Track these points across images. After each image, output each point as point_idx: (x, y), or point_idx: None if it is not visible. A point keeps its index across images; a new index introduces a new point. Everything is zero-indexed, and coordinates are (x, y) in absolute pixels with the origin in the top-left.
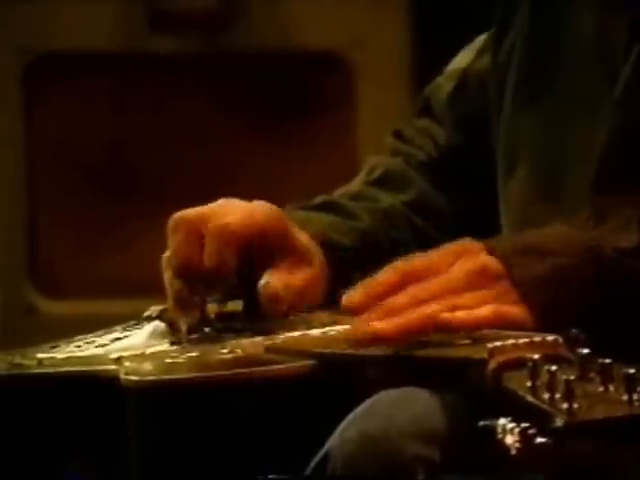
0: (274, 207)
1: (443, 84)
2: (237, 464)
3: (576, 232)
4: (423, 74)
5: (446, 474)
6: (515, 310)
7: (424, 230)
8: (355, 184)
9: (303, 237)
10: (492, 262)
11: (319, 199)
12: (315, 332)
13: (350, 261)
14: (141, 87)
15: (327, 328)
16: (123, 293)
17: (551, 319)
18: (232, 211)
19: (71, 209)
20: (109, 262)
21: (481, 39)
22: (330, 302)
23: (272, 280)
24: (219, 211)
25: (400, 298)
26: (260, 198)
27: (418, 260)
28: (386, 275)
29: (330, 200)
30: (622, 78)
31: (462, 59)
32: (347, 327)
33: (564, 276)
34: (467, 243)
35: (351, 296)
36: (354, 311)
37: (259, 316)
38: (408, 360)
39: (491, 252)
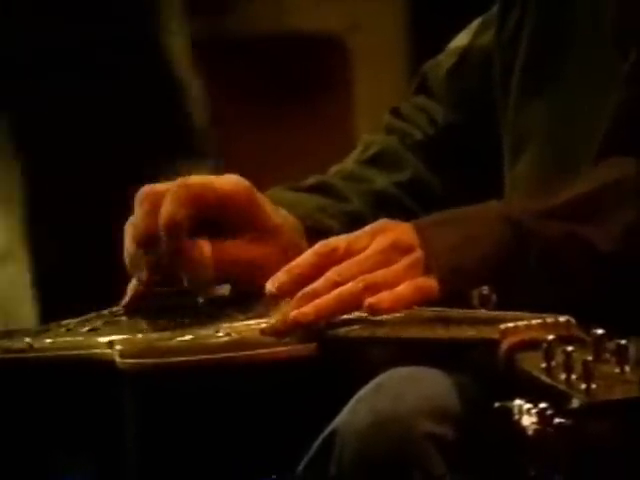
0: (244, 180)
1: (443, 61)
2: (235, 446)
3: (498, 205)
4: (419, 57)
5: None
6: (428, 281)
7: (416, 212)
8: (349, 162)
9: (278, 216)
10: (404, 235)
11: (311, 180)
12: None
13: None
14: None
15: None
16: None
17: (460, 282)
18: (197, 177)
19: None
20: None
21: (480, 20)
22: None
23: (198, 242)
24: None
25: (317, 283)
26: (260, 179)
27: (337, 241)
28: (305, 258)
29: (321, 181)
30: (633, 53)
31: (463, 38)
32: None
33: (474, 241)
34: (384, 222)
35: (274, 281)
36: (278, 295)
37: (248, 299)
38: (417, 341)
39: (414, 227)
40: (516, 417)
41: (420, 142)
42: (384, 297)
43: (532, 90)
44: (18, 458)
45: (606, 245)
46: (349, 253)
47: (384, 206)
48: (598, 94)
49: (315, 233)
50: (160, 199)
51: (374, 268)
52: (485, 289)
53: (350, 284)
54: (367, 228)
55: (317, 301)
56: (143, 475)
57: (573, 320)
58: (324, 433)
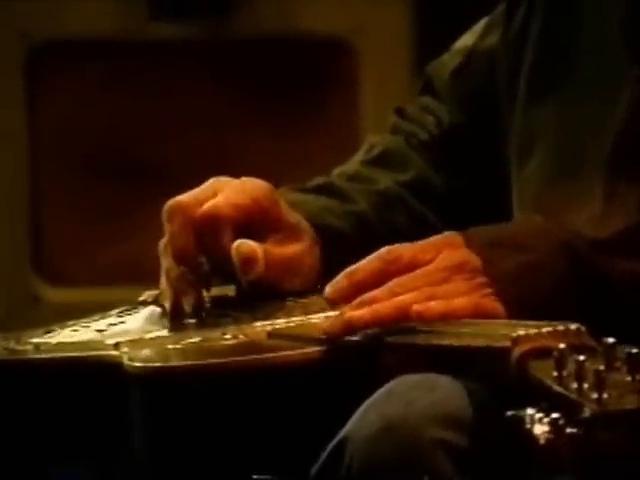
0: (264, 183)
1: (447, 62)
2: (243, 450)
3: (552, 227)
4: (424, 58)
5: None
6: (490, 303)
7: (421, 212)
8: (353, 163)
9: (293, 216)
10: (471, 258)
11: (316, 181)
12: (317, 317)
13: (344, 244)
14: (145, 74)
15: (328, 313)
16: (128, 280)
17: (524, 314)
18: (221, 192)
19: (74, 197)
20: (113, 250)
21: (485, 21)
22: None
23: (246, 241)
24: (209, 193)
25: (377, 292)
26: (267, 181)
27: (402, 250)
28: (370, 264)
29: (326, 182)
30: None
31: (468, 38)
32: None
33: (535, 272)
34: (451, 236)
35: (334, 286)
36: (337, 300)
37: (253, 300)
38: (428, 349)
39: (468, 243)
40: (528, 426)
41: (425, 142)
42: (434, 306)
43: (540, 92)
44: (22, 460)
45: None
46: (413, 264)
47: (389, 206)
48: (607, 96)
49: (323, 233)
50: (189, 212)
51: (437, 284)
52: None
53: (413, 294)
54: (434, 240)
55: (375, 306)
56: (150, 478)
57: (584, 328)
58: (335, 439)
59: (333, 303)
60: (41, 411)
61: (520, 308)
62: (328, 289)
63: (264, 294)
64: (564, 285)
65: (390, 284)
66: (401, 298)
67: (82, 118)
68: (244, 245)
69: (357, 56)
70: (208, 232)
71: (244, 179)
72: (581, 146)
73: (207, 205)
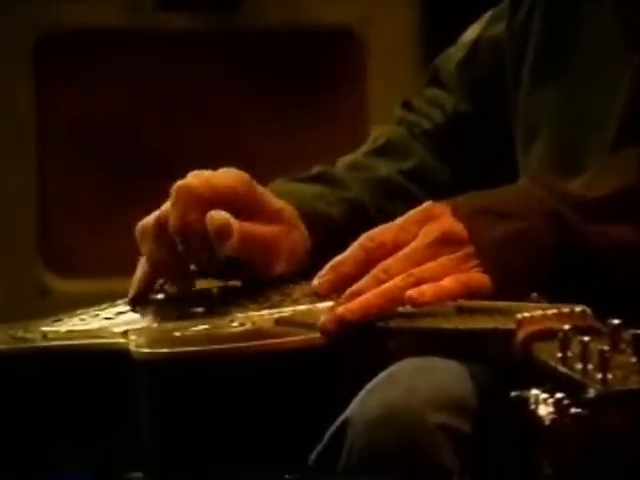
0: (240, 172)
1: (454, 53)
2: (248, 435)
3: (540, 193)
4: (432, 49)
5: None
6: (476, 276)
7: (421, 200)
8: (357, 153)
9: (275, 202)
10: (454, 226)
11: (314, 170)
12: (324, 304)
13: (337, 230)
14: (154, 65)
15: (334, 300)
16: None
17: (510, 282)
18: (195, 177)
19: (83, 188)
20: (122, 240)
21: (490, 13)
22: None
23: (219, 212)
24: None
25: (364, 281)
26: (274, 173)
27: (383, 234)
28: (353, 255)
29: (322, 171)
30: None
31: (473, 31)
32: None
33: (522, 240)
34: (430, 207)
35: (321, 278)
36: (325, 293)
37: (260, 289)
38: (432, 332)
39: (454, 212)
40: (532, 407)
41: (428, 131)
42: (425, 289)
43: (543, 78)
44: (29, 448)
45: None
46: (396, 246)
47: (387, 193)
48: (608, 83)
49: (314, 219)
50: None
51: (422, 263)
52: (534, 295)
53: (398, 278)
54: (412, 215)
55: (363, 297)
56: (157, 465)
57: (589, 310)
58: (336, 423)
59: (322, 296)
60: (49, 399)
61: (506, 278)
62: (315, 282)
63: (270, 283)
64: (551, 254)
65: (374, 271)
66: (388, 285)
67: (90, 109)
68: (217, 215)
69: (366, 47)
70: (179, 209)
71: (221, 169)
72: (583, 133)
73: (179, 182)
